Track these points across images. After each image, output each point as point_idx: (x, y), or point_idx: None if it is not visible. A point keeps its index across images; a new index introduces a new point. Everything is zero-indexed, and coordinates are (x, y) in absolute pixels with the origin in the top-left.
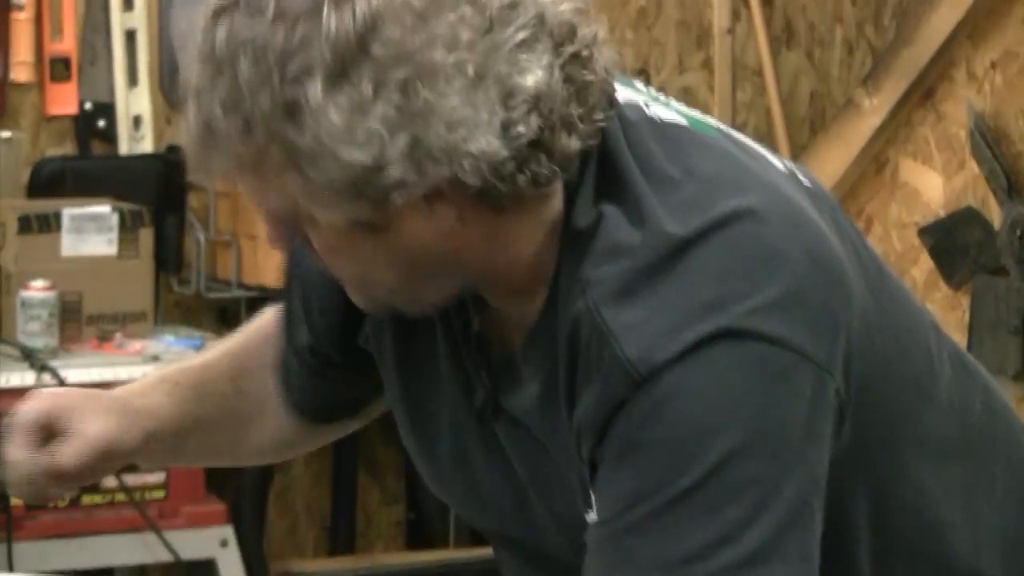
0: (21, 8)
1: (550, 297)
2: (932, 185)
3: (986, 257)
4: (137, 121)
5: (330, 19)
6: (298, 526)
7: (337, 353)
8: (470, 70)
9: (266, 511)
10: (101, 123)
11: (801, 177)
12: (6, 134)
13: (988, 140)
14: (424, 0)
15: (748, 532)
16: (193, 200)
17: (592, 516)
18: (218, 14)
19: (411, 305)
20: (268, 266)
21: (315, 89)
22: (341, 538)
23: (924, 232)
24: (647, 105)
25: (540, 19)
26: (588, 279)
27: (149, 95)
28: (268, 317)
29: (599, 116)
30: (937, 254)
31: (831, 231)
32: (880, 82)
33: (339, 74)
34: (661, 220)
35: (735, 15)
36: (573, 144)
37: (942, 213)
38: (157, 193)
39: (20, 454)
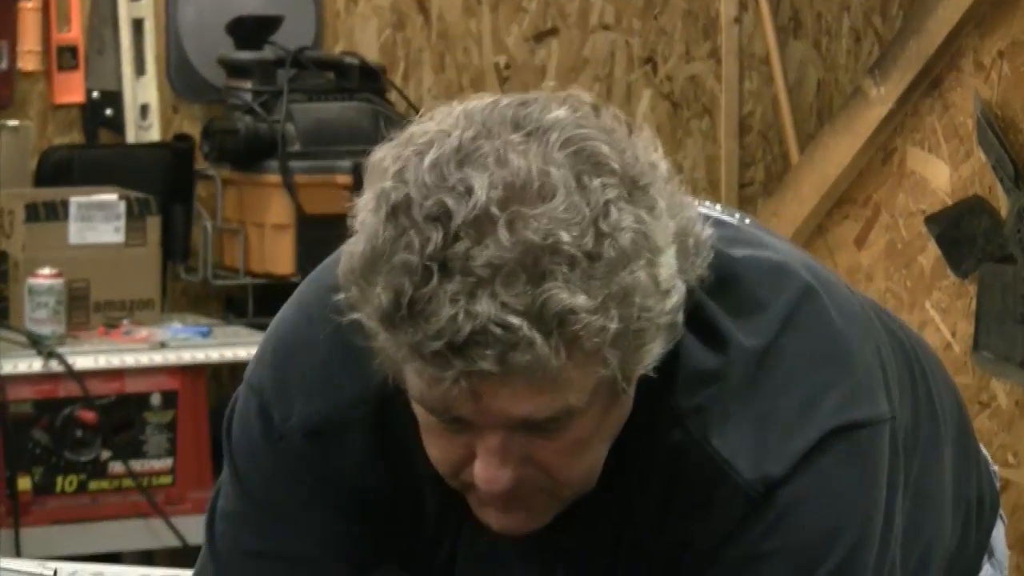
0: None
1: (632, 431)
2: (939, 174)
3: (993, 246)
4: (144, 110)
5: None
6: None
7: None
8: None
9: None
10: (108, 112)
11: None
12: (13, 123)
13: (995, 129)
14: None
15: None
16: (200, 189)
17: None
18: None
19: (582, 491)
20: (275, 254)
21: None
22: None
23: (931, 221)
24: None
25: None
26: (683, 409)
27: (156, 84)
28: None
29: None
30: (944, 243)
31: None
32: (887, 71)
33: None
34: (737, 336)
35: (742, 5)
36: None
37: (949, 202)
38: (164, 182)
39: None
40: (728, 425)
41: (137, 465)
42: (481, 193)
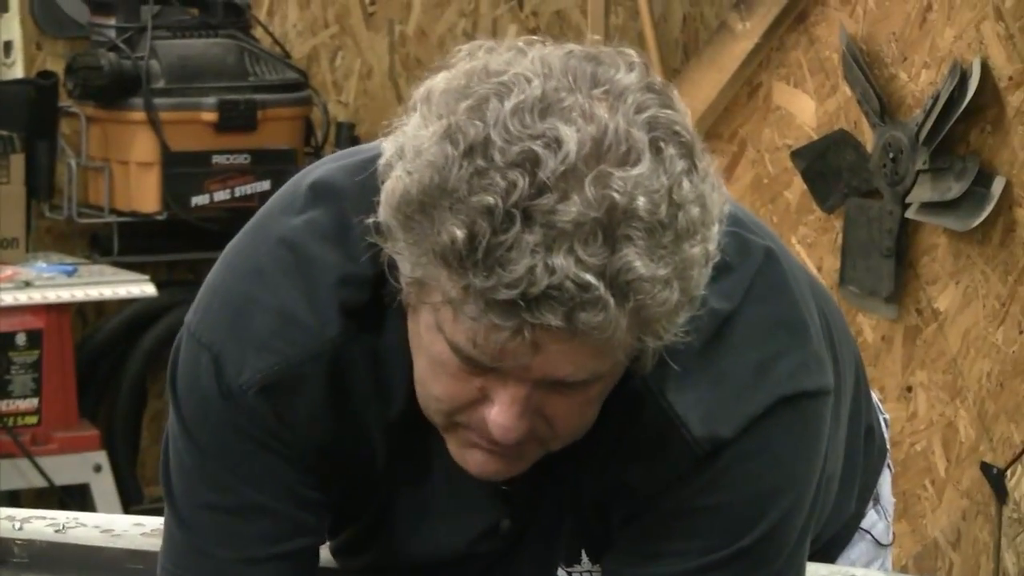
0: None
1: None
2: (805, 108)
3: (858, 180)
4: (7, 47)
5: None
6: None
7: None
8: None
9: (140, 437)
10: None
11: None
12: None
13: (860, 63)
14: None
15: (789, 571)
16: (64, 126)
17: (582, 567)
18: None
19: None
20: (140, 191)
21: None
22: None
23: (797, 155)
24: None
25: None
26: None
27: (19, 20)
28: None
29: None
30: (810, 177)
31: None
32: (753, 5)
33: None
34: (708, 299)
35: None
36: None
37: (815, 136)
38: (28, 119)
39: None
40: (685, 381)
41: (2, 405)
42: (571, 146)
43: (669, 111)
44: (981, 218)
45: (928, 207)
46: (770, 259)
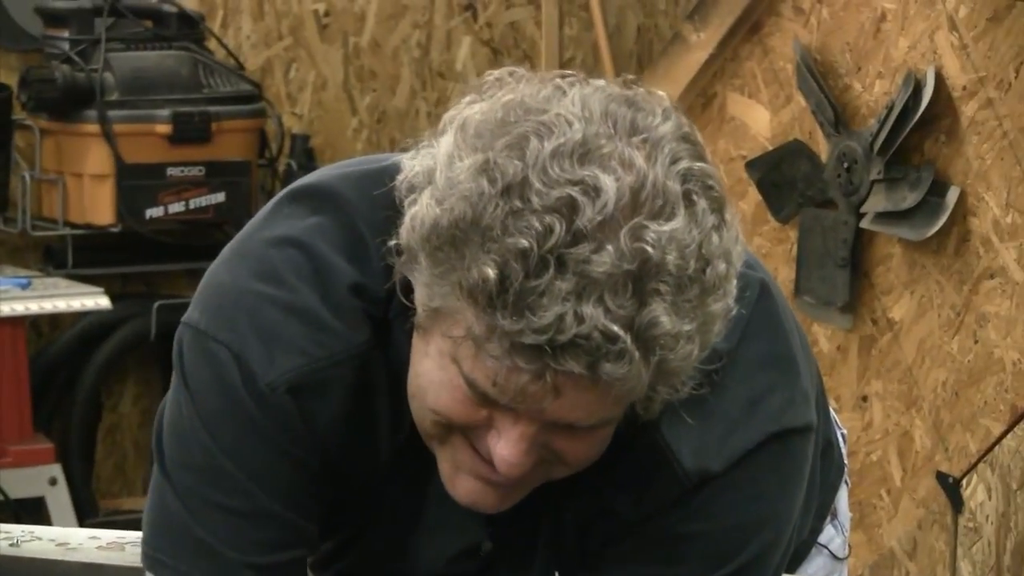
0: None
1: None
2: (759, 119)
3: (813, 190)
4: None
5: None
6: (127, 464)
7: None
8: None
9: (95, 449)
10: None
11: None
12: None
13: (814, 74)
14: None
15: None
16: (18, 139)
17: None
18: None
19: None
20: (94, 204)
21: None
22: None
23: (751, 165)
24: None
25: None
26: None
27: None
28: None
29: None
30: (764, 187)
31: None
32: (707, 16)
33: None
34: None
35: None
36: None
37: (769, 147)
38: None
39: None
40: (679, 415)
41: None
42: (610, 195)
43: (702, 163)
44: (936, 228)
45: (883, 217)
46: (765, 294)
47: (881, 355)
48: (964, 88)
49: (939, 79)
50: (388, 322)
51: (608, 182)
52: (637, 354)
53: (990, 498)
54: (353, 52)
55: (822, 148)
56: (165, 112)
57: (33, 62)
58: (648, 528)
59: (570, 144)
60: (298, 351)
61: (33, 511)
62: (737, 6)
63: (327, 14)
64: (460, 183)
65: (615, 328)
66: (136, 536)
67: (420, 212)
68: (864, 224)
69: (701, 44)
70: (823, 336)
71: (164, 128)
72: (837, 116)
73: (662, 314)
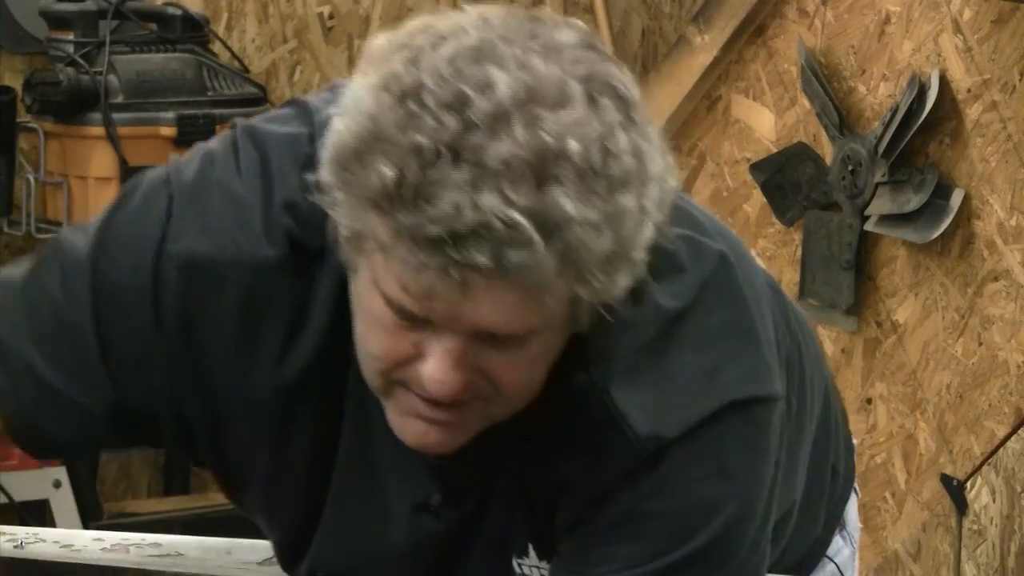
0: None
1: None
2: (764, 121)
3: (817, 192)
4: None
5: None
6: (131, 467)
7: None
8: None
9: (99, 453)
10: None
11: None
12: None
13: (819, 76)
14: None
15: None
16: (23, 141)
17: (529, 561)
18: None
19: (512, 412)
20: (98, 207)
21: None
22: (175, 479)
23: (756, 168)
24: None
25: None
26: (589, 353)
27: None
28: None
29: None
30: (769, 190)
31: None
32: (711, 19)
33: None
34: (655, 295)
35: None
36: None
37: (774, 149)
38: None
39: None
40: (630, 378)
41: None
42: (503, 89)
43: (608, 66)
44: (940, 230)
45: (887, 219)
46: (724, 264)
47: (885, 358)
48: (968, 91)
49: (943, 82)
50: (314, 257)
51: (501, 77)
52: (540, 241)
53: (994, 500)
54: (358, 55)
55: (826, 151)
56: (170, 115)
57: (37, 65)
58: (610, 507)
59: (465, 49)
60: (210, 237)
61: (37, 514)
62: (741, 9)
63: (332, 17)
64: (362, 100)
65: (515, 215)
66: (141, 538)
67: (329, 140)
68: (868, 227)
69: (705, 47)
70: (827, 339)
71: (169, 131)
72: (841, 119)
73: (563, 200)
